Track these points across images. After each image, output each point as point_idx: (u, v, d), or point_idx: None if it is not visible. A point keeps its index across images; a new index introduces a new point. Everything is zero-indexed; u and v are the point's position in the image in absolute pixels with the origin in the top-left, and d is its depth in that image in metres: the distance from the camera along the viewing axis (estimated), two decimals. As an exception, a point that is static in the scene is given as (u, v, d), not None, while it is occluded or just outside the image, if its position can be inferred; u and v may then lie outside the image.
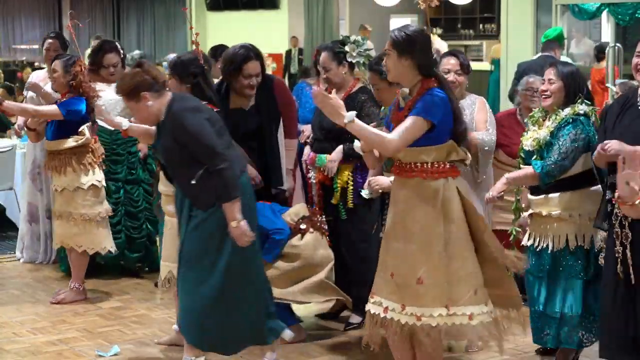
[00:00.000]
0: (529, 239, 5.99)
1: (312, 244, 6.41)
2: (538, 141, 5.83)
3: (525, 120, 6.53)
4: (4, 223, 8.10)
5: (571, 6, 16.06)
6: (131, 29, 27.11)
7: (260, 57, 6.69)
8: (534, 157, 5.87)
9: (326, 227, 6.59)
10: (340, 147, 6.56)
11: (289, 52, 21.20)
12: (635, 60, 5.44)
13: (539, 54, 12.12)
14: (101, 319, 7.36)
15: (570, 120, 5.76)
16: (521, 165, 5.95)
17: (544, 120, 5.94)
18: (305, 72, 15.29)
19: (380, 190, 5.76)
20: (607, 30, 17.09)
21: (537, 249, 5.91)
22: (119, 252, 8.18)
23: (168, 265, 6.42)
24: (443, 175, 5.01)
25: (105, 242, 7.79)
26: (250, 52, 6.63)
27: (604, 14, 16.51)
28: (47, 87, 8.24)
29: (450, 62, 6.54)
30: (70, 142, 7.64)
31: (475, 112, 6.49)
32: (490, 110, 6.64)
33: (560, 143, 5.70)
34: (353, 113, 4.87)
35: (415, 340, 5.01)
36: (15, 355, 6.56)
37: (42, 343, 6.82)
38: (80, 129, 7.65)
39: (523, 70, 9.78)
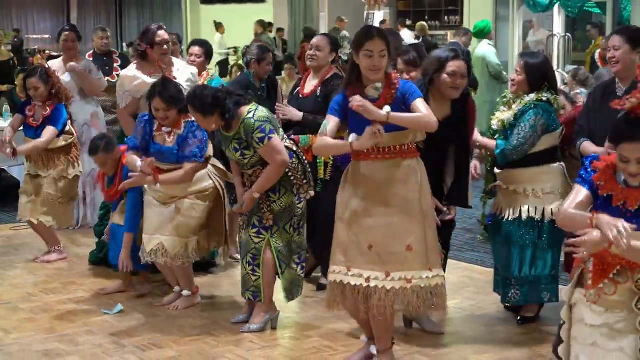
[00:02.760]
0: (492, 209, 6.16)
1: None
2: (503, 122, 5.92)
3: (497, 100, 6.53)
4: (18, 195, 8.12)
5: (527, 0, 16.04)
6: (132, 21, 27.04)
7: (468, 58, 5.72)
8: (498, 136, 5.92)
9: None
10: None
11: (273, 40, 21.15)
12: (610, 53, 5.70)
13: (451, 41, 12.45)
14: (107, 281, 7.31)
15: (533, 105, 5.79)
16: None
17: (513, 103, 5.97)
18: (290, 58, 15.24)
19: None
20: (558, 22, 17.07)
21: (500, 218, 6.00)
22: None
23: (157, 237, 6.37)
24: (415, 154, 5.04)
25: (68, 221, 8.19)
26: (456, 52, 5.66)
27: (556, 7, 16.49)
28: (65, 77, 8.66)
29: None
30: (61, 142, 7.86)
31: None
32: None
33: (520, 128, 5.77)
34: (388, 108, 4.82)
35: (400, 303, 4.99)
36: (29, 312, 6.54)
37: (53, 302, 6.80)
38: (67, 129, 7.86)
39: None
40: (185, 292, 6.60)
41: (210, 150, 6.47)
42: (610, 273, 3.82)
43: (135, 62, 7.30)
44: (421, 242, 4.97)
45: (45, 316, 6.46)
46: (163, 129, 6.28)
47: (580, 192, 3.95)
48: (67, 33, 9.17)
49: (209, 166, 6.45)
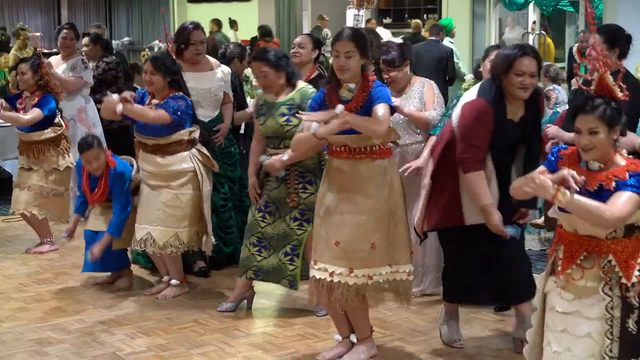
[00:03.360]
0: None
1: None
2: None
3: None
4: (11, 188, 8.12)
5: (503, -2, 16.10)
6: (121, 19, 26.88)
7: (537, 55, 5.14)
8: None
9: None
10: None
11: (254, 39, 21.12)
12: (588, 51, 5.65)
13: (430, 38, 12.46)
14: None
15: None
16: None
17: None
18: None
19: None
20: (533, 19, 17.15)
21: None
22: (235, 247, 7.21)
23: (145, 227, 6.40)
24: (386, 155, 5.02)
25: (66, 214, 7.95)
26: (526, 50, 5.13)
27: (531, 5, 16.56)
28: (59, 70, 8.71)
29: None
30: (49, 133, 7.82)
31: (425, 93, 6.36)
32: (438, 90, 6.44)
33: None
34: (340, 107, 4.78)
35: (361, 298, 5.01)
36: (22, 302, 6.53)
37: (45, 292, 6.79)
38: (56, 120, 7.83)
39: (416, 51, 9.59)
40: (173, 282, 6.61)
41: (197, 134, 6.48)
42: (577, 259, 3.85)
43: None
44: (385, 240, 4.98)
45: (37, 306, 6.46)
46: (153, 101, 6.35)
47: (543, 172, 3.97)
48: (66, 31, 9.15)
49: (194, 150, 6.45)
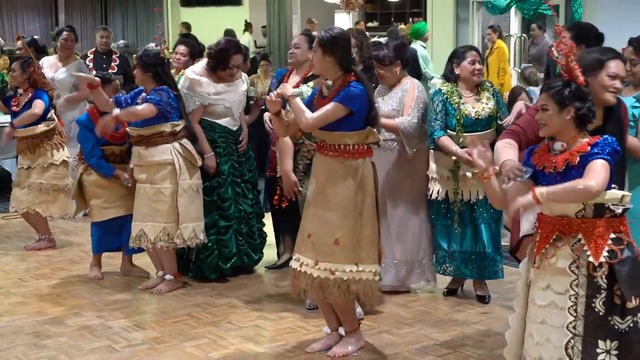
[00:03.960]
0: (455, 194, 6.13)
1: None
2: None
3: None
4: (10, 186, 8.11)
5: (485, 2, 16.09)
6: (117, 22, 26.84)
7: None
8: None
9: None
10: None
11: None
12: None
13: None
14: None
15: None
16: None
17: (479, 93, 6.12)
18: (265, 56, 15.21)
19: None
20: (514, 23, 17.16)
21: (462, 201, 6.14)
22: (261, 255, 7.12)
23: (138, 224, 6.40)
24: (362, 155, 5.01)
25: (68, 209, 7.86)
26: (615, 51, 4.58)
27: (512, 10, 16.56)
28: (59, 73, 8.80)
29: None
30: (42, 128, 7.78)
31: (406, 96, 6.28)
32: (421, 93, 6.31)
33: None
34: (298, 90, 4.94)
35: (325, 292, 5.02)
36: (21, 297, 6.51)
37: (43, 287, 6.78)
38: (49, 116, 7.81)
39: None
40: (167, 277, 6.60)
41: (180, 128, 6.43)
42: (551, 238, 3.89)
43: (205, 66, 6.85)
44: (349, 238, 4.96)
45: (35, 300, 6.44)
46: (144, 95, 6.39)
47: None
48: (67, 33, 9.24)
49: (176, 143, 6.41)
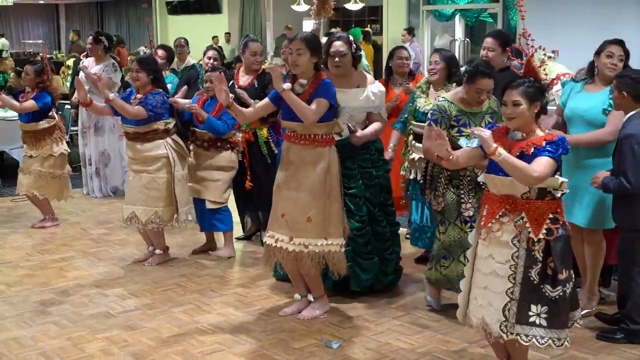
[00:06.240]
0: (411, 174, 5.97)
1: None
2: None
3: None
4: (17, 173, 8.03)
5: (433, 11, 16.12)
6: (112, 28, 26.69)
7: None
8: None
9: None
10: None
11: (220, 47, 21.04)
12: (484, 52, 5.79)
13: None
14: (92, 242, 7.26)
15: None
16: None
17: (428, 90, 5.96)
18: (239, 59, 15.13)
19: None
20: (459, 29, 17.20)
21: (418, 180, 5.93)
22: (373, 275, 5.63)
23: (130, 207, 6.34)
24: (328, 143, 5.01)
25: (62, 195, 7.89)
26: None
27: (457, 17, 16.61)
28: (93, 70, 8.56)
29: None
30: (44, 124, 7.72)
31: None
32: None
33: None
34: (288, 85, 4.83)
35: (299, 263, 5.03)
36: (28, 269, 6.45)
37: (48, 261, 6.71)
38: (50, 114, 7.76)
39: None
40: (157, 251, 6.57)
41: (172, 126, 6.37)
42: (497, 215, 3.90)
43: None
44: (320, 216, 4.96)
45: (41, 272, 6.38)
46: (137, 95, 6.30)
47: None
48: (90, 39, 9.19)
49: (169, 138, 6.36)
